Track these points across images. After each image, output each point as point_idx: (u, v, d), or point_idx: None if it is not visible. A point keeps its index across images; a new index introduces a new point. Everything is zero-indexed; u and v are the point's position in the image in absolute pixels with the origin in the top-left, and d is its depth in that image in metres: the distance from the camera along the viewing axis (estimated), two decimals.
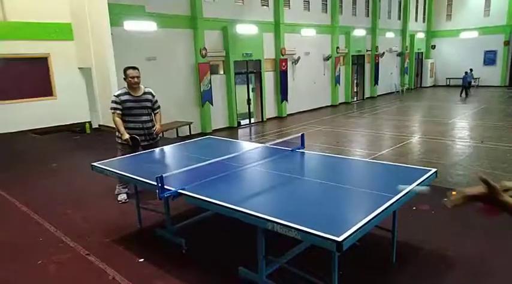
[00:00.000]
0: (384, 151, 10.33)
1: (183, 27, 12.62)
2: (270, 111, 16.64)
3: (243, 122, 15.81)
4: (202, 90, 13.28)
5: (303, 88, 18.04)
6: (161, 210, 3.70)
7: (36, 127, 10.46)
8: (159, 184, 2.85)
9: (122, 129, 4.55)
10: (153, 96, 4.78)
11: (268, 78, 16.32)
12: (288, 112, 17.27)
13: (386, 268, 3.13)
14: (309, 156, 4.10)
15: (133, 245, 3.65)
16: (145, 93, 4.70)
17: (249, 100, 15.94)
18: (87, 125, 10.72)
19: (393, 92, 25.28)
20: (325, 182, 3.12)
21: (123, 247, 3.63)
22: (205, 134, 12.17)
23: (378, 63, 23.16)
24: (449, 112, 17.01)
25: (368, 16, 22.35)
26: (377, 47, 22.89)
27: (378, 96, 23.61)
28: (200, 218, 3.91)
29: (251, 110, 16.16)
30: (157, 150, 4.62)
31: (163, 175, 2.88)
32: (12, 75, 10.28)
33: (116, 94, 4.60)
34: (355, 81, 22.58)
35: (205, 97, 13.47)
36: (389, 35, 24.09)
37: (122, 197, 4.77)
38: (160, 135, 5.12)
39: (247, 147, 4.89)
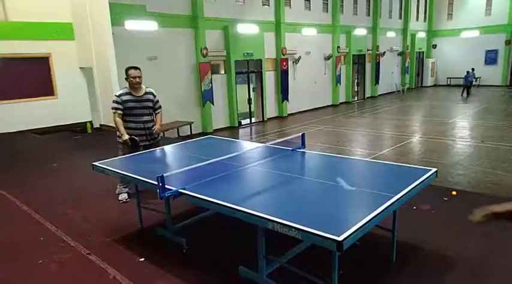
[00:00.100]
0: (385, 150, 10.33)
1: (184, 26, 12.63)
2: (270, 110, 16.64)
3: (243, 122, 15.82)
4: (203, 89, 13.29)
5: (304, 87, 18.04)
6: (162, 210, 3.71)
7: (37, 127, 10.47)
8: (160, 184, 2.85)
9: (122, 129, 4.55)
10: (155, 96, 4.78)
11: (269, 78, 16.32)
12: (288, 112, 17.27)
13: (387, 268, 3.13)
14: (310, 155, 4.10)
15: (134, 245, 3.66)
16: (146, 93, 4.69)
17: (249, 100, 15.94)
18: (88, 125, 10.74)
19: (394, 92, 25.26)
20: (325, 182, 3.13)
21: (123, 247, 3.64)
22: (206, 134, 12.19)
23: (379, 62, 23.14)
24: (450, 112, 17.00)
25: (369, 15, 22.33)
26: (378, 46, 22.87)
27: (379, 95, 23.60)
28: (201, 218, 3.92)
29: (252, 110, 16.16)
30: (158, 149, 4.62)
31: (164, 174, 2.88)
32: (14, 75, 10.30)
33: (117, 94, 4.59)
34: (356, 81, 22.56)
35: (206, 97, 13.47)
36: (390, 34, 24.07)
37: (123, 197, 4.78)
38: (161, 134, 5.11)
39: (248, 146, 4.89)
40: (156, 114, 4.84)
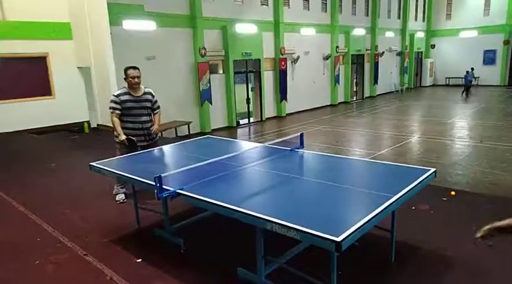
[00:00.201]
0: (383, 150, 10.33)
1: (182, 26, 12.61)
2: (269, 110, 16.62)
3: (242, 122, 15.80)
4: (201, 89, 13.27)
5: (303, 87, 18.03)
6: (159, 210, 3.69)
7: (35, 127, 10.43)
8: (158, 184, 2.83)
9: (119, 129, 4.53)
10: (153, 96, 4.76)
11: (268, 78, 16.30)
12: (287, 112, 17.26)
13: (385, 268, 3.12)
14: (308, 155, 4.09)
15: (132, 246, 3.63)
16: (145, 93, 4.67)
17: (248, 99, 15.93)
18: (86, 125, 10.71)
19: (393, 91, 25.28)
20: (324, 182, 3.11)
21: (121, 247, 3.62)
22: (204, 134, 12.16)
23: (378, 62, 23.15)
24: (448, 112, 17.02)
25: (368, 15, 22.34)
26: (376, 46, 22.88)
27: (378, 95, 23.61)
28: (199, 219, 3.90)
29: (250, 110, 16.15)
30: (155, 149, 4.60)
31: (162, 175, 2.86)
32: (11, 75, 10.26)
33: (115, 94, 4.57)
34: (355, 81, 22.58)
35: (205, 97, 13.45)
36: (389, 34, 24.09)
37: (120, 197, 4.76)
38: (159, 134, 5.09)
39: (246, 146, 4.87)
40: (154, 114, 4.81)
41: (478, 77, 25.32)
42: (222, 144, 5.04)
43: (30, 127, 10.38)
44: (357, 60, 22.00)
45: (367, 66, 22.81)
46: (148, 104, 4.70)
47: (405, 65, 26.25)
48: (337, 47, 19.61)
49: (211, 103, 13.73)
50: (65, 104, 10.95)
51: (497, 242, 3.28)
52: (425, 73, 28.47)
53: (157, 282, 3.02)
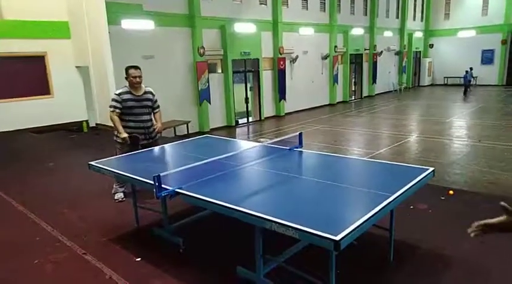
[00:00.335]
0: (382, 150, 10.35)
1: (180, 25, 12.60)
2: (268, 110, 16.62)
3: (241, 121, 15.80)
4: (200, 88, 13.26)
5: (301, 87, 18.04)
6: (158, 209, 3.69)
7: (33, 126, 10.40)
8: (157, 183, 2.84)
9: (120, 127, 4.53)
10: (153, 96, 4.79)
11: (266, 77, 16.31)
12: (286, 111, 17.27)
13: (384, 267, 3.13)
14: (307, 155, 4.10)
15: (131, 245, 3.64)
16: (146, 92, 4.70)
17: (247, 99, 15.93)
18: (84, 124, 10.69)
19: (391, 91, 25.31)
20: (323, 181, 3.12)
21: (120, 247, 3.62)
22: (203, 133, 12.16)
23: (376, 62, 23.18)
24: (446, 111, 17.06)
25: (366, 15, 22.36)
26: (375, 45, 22.90)
27: (376, 94, 23.64)
28: (198, 218, 3.90)
29: (249, 109, 16.16)
30: (154, 149, 4.60)
31: (161, 174, 2.87)
32: (9, 74, 10.22)
33: (117, 92, 4.57)
34: (353, 80, 22.61)
35: (203, 96, 13.45)
36: (388, 33, 24.12)
37: (119, 196, 4.76)
38: (159, 134, 5.10)
39: (245, 146, 4.88)
40: (154, 113, 4.84)
41: (476, 77, 25.39)
42: (221, 144, 5.05)
43: (29, 127, 10.35)
44: (356, 60, 22.02)
45: (365, 66, 22.83)
46: (149, 103, 4.72)
47: (403, 64, 26.28)
48: (335, 46, 19.63)
49: (210, 103, 13.72)
50: (64, 103, 10.93)
51: (496, 241, 3.30)
52: (423, 72, 28.51)
53: (157, 281, 3.02)
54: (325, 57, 19.36)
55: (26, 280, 3.17)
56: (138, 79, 4.54)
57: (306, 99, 18.44)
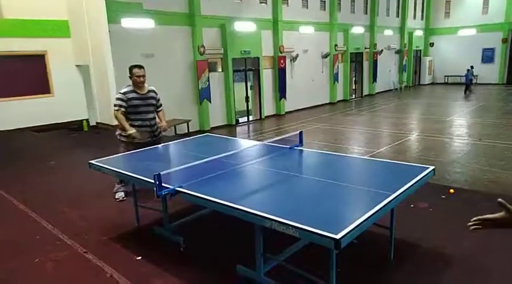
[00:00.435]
0: (382, 148, 10.34)
1: (180, 24, 12.58)
2: (268, 108, 16.62)
3: (241, 120, 15.79)
4: (200, 87, 13.26)
5: (301, 85, 18.02)
6: (159, 208, 3.69)
7: (34, 125, 10.42)
8: (157, 182, 2.84)
9: (127, 124, 4.54)
10: (156, 94, 4.83)
11: (267, 76, 16.29)
12: (286, 110, 17.26)
13: (384, 266, 3.13)
14: (307, 153, 4.10)
15: (131, 244, 3.64)
16: (149, 91, 4.73)
17: (247, 97, 15.92)
18: (85, 123, 10.69)
19: (391, 90, 25.28)
20: (323, 180, 3.12)
21: (120, 245, 3.63)
22: (204, 132, 12.15)
23: (376, 60, 23.15)
24: (447, 110, 17.04)
25: (366, 13, 22.33)
26: (375, 44, 22.87)
27: (376, 93, 23.62)
28: (198, 216, 3.90)
29: (249, 108, 16.14)
30: (155, 147, 4.60)
31: (161, 172, 2.87)
32: (9, 73, 10.23)
33: (122, 91, 4.58)
34: (354, 79, 22.58)
35: (203, 95, 13.44)
36: (388, 32, 24.08)
37: (120, 195, 4.76)
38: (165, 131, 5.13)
39: (245, 144, 4.88)
40: (158, 111, 4.88)
41: (477, 75, 25.36)
42: (221, 142, 5.04)
43: (29, 125, 10.37)
44: (356, 58, 21.99)
45: (365, 64, 22.81)
46: (153, 101, 4.76)
47: (404, 63, 26.25)
48: (336, 45, 19.61)
49: (210, 102, 13.72)
50: (64, 102, 10.94)
51: (496, 239, 3.30)
52: (424, 71, 28.47)
53: (157, 280, 3.03)
54: (325, 56, 19.34)
55: (27, 279, 3.17)
56: (142, 78, 4.57)
57: (306, 98, 18.43)
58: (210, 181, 3.11)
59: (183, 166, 3.14)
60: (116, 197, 4.76)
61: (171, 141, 5.12)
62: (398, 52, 25.76)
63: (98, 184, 5.28)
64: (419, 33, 27.54)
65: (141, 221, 4.03)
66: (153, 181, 2.85)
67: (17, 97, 10.38)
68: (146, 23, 11.22)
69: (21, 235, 3.96)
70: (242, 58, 15.01)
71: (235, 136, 12.19)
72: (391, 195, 2.57)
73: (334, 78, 19.97)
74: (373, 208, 2.35)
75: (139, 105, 4.60)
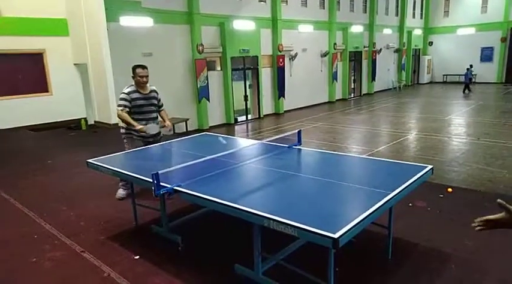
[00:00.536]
0: (381, 147, 10.35)
1: (179, 22, 12.56)
2: (267, 107, 16.61)
3: (240, 119, 15.78)
4: (199, 86, 13.24)
5: (300, 84, 18.02)
6: (157, 207, 3.68)
7: (32, 124, 10.39)
8: (155, 181, 2.83)
9: (133, 121, 4.51)
10: (157, 94, 4.83)
11: (265, 75, 16.28)
12: (285, 109, 17.26)
13: (383, 265, 3.13)
14: (306, 152, 4.09)
15: (129, 243, 3.63)
16: (151, 91, 4.73)
17: (246, 96, 15.90)
18: (83, 121, 10.66)
19: (390, 89, 25.31)
20: (321, 179, 3.12)
21: (118, 244, 3.62)
22: (202, 131, 12.15)
23: (375, 59, 23.16)
24: (446, 109, 17.06)
25: (365, 12, 22.33)
26: (374, 43, 22.88)
27: (375, 92, 23.64)
28: (197, 215, 3.89)
29: (248, 107, 16.13)
30: (153, 146, 4.59)
31: (159, 172, 2.86)
32: (7, 71, 10.20)
33: (126, 91, 4.55)
34: (353, 78, 22.58)
35: (202, 94, 13.43)
36: (387, 31, 24.08)
37: (120, 193, 4.72)
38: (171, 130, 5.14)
39: (244, 143, 4.87)
40: (160, 111, 4.89)
41: (476, 74, 25.39)
42: (220, 141, 5.03)
43: (27, 124, 10.34)
44: (355, 57, 22.00)
45: (364, 63, 22.81)
46: (155, 101, 4.76)
47: (403, 62, 26.27)
48: (334, 44, 19.60)
49: (208, 101, 13.70)
50: (62, 101, 10.91)
51: (495, 239, 3.30)
52: (422, 70, 28.51)
53: (155, 279, 3.02)
54: (324, 55, 19.33)
55: (24, 278, 3.16)
56: (145, 78, 4.57)
57: (305, 97, 18.43)
58: (208, 180, 3.10)
59: (181, 165, 3.13)
60: (116, 195, 4.74)
61: (170, 139, 5.11)
62: (397, 51, 25.77)
63: (96, 183, 5.26)
64: (418, 32, 27.55)
65: (139, 221, 4.02)
66: (151, 180, 2.84)
67: (15, 96, 10.35)
68: (145, 21, 11.19)
69: (18, 234, 3.95)
70: (241, 57, 15.00)
71: (234, 135, 12.18)
72: (389, 194, 2.57)
73: (333, 77, 19.98)
74: (371, 207, 2.35)
75: (143, 105, 4.60)
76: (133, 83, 4.61)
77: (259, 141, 4.49)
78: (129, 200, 4.07)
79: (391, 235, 3.14)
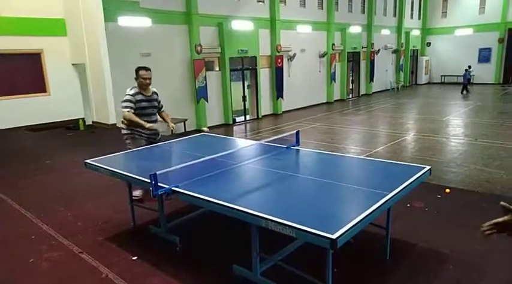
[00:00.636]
0: (379, 148, 10.36)
1: (177, 23, 12.55)
2: (265, 108, 16.61)
3: (238, 119, 15.78)
4: (197, 86, 13.23)
5: (299, 85, 18.03)
6: (155, 208, 3.68)
7: (30, 124, 10.37)
8: (153, 182, 2.82)
9: (141, 121, 4.48)
10: (158, 95, 4.82)
11: (264, 75, 16.29)
12: (283, 109, 17.26)
13: (381, 265, 3.13)
14: (304, 153, 4.09)
15: (127, 243, 3.62)
16: (152, 92, 4.73)
17: (244, 97, 15.90)
18: (81, 122, 10.63)
19: (388, 89, 25.34)
20: (319, 179, 3.12)
21: (116, 245, 3.61)
22: (200, 131, 12.13)
23: (374, 60, 23.20)
24: (443, 110, 17.09)
25: (364, 13, 22.37)
26: (372, 44, 22.92)
27: (373, 93, 23.67)
28: (195, 216, 3.89)
29: (246, 107, 16.13)
30: (151, 147, 4.59)
31: (157, 172, 2.85)
32: (5, 71, 10.17)
33: (130, 93, 4.52)
34: (351, 78, 22.61)
35: (200, 94, 13.42)
36: (385, 32, 24.13)
37: (138, 193, 4.50)
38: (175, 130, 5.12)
39: (242, 144, 4.87)
40: (161, 112, 4.89)
41: (473, 75, 25.46)
42: (218, 142, 5.03)
43: (25, 124, 10.31)
44: (353, 58, 22.03)
45: (363, 64, 22.85)
46: (156, 103, 4.76)
47: (401, 62, 26.33)
48: (333, 44, 19.62)
49: (207, 101, 13.70)
50: (60, 101, 10.89)
51: (492, 239, 3.31)
52: (420, 71, 28.58)
53: (153, 279, 3.02)
54: (322, 55, 19.35)
55: (21, 279, 3.15)
56: (148, 81, 4.56)
57: (303, 97, 18.44)
58: (206, 180, 3.09)
59: (179, 166, 3.12)
60: (133, 194, 4.60)
61: (168, 140, 5.10)
62: (395, 52, 25.82)
63: (94, 184, 5.25)
64: (416, 32, 27.62)
65: (137, 221, 4.02)
66: (149, 180, 2.84)
67: (13, 96, 10.32)
68: (143, 22, 11.18)
69: (15, 234, 3.93)
70: (239, 57, 14.99)
71: (232, 136, 12.18)
72: (387, 194, 2.57)
73: (331, 77, 19.99)
74: (369, 207, 2.36)
75: (146, 107, 4.60)
76: (135, 85, 4.58)
77: (257, 142, 4.49)
78: (127, 200, 4.05)
79: (389, 236, 3.14)
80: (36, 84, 10.73)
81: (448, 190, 4.76)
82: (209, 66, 13.91)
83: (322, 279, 2.43)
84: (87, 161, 3.85)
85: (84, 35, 10.36)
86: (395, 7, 25.20)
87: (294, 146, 4.13)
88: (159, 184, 2.86)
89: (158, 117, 4.89)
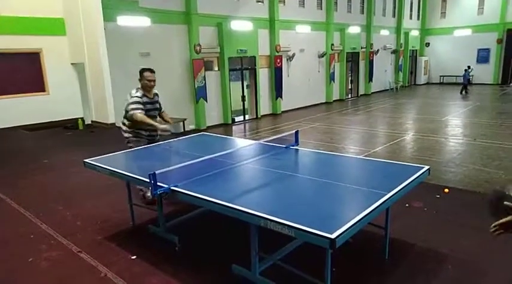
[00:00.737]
0: (378, 148, 10.37)
1: (177, 22, 12.54)
2: (264, 107, 16.61)
3: (237, 119, 15.78)
4: (196, 86, 13.23)
5: (298, 85, 18.03)
6: (154, 207, 3.68)
7: (28, 123, 10.36)
8: (152, 181, 2.82)
9: (154, 122, 4.48)
10: (158, 97, 4.80)
11: (263, 75, 16.29)
12: (282, 109, 17.26)
13: (379, 265, 3.14)
14: (303, 153, 4.10)
15: (126, 243, 3.62)
16: (154, 94, 4.72)
17: (243, 97, 15.90)
18: (80, 121, 10.62)
19: (387, 89, 25.36)
20: (318, 179, 3.12)
21: (115, 244, 3.61)
22: (200, 131, 12.12)
23: (373, 60, 23.22)
24: (442, 110, 17.11)
25: (363, 13, 22.38)
26: (371, 44, 22.93)
27: (372, 93, 23.69)
28: (194, 215, 3.89)
29: (245, 107, 16.13)
30: (150, 146, 4.58)
31: (156, 172, 2.85)
32: (4, 71, 10.15)
33: (138, 95, 4.48)
34: (350, 78, 22.62)
35: (200, 94, 13.41)
36: (384, 32, 24.15)
37: (150, 194, 4.51)
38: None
39: (241, 144, 4.87)
40: (162, 113, 4.87)
41: (472, 76, 25.49)
42: (217, 141, 5.04)
43: (24, 124, 10.30)
44: (352, 58, 22.03)
45: (362, 64, 22.86)
46: (158, 105, 4.76)
47: (400, 63, 26.34)
48: (332, 44, 19.63)
49: (206, 101, 13.69)
50: (59, 100, 10.87)
51: (491, 239, 3.32)
52: (419, 71, 28.59)
53: (152, 279, 3.02)
54: (321, 55, 19.36)
55: (20, 278, 3.15)
56: (153, 83, 4.55)
57: (302, 97, 18.44)
58: (205, 180, 3.10)
59: (178, 165, 3.12)
60: (147, 195, 4.47)
61: (167, 139, 5.10)
62: (394, 52, 25.84)
63: (92, 183, 5.25)
64: (415, 33, 27.64)
65: (136, 221, 4.02)
66: (148, 180, 2.84)
67: (12, 95, 10.30)
68: (142, 21, 11.16)
69: (14, 234, 3.93)
70: (238, 57, 14.99)
71: (232, 135, 12.18)
72: (386, 194, 2.58)
73: (331, 77, 20.00)
74: (368, 207, 2.36)
75: (150, 109, 4.59)
76: (139, 86, 4.55)
77: (256, 141, 4.49)
78: (126, 200, 4.05)
79: (388, 236, 3.15)
80: (35, 83, 10.72)
81: (447, 190, 4.77)
82: (208, 66, 13.91)
83: (321, 279, 2.43)
84: (86, 160, 3.85)
85: (84, 34, 10.35)
86: (394, 7, 25.22)
87: (293, 146, 4.13)
88: (158, 183, 2.86)
89: (158, 118, 4.90)
